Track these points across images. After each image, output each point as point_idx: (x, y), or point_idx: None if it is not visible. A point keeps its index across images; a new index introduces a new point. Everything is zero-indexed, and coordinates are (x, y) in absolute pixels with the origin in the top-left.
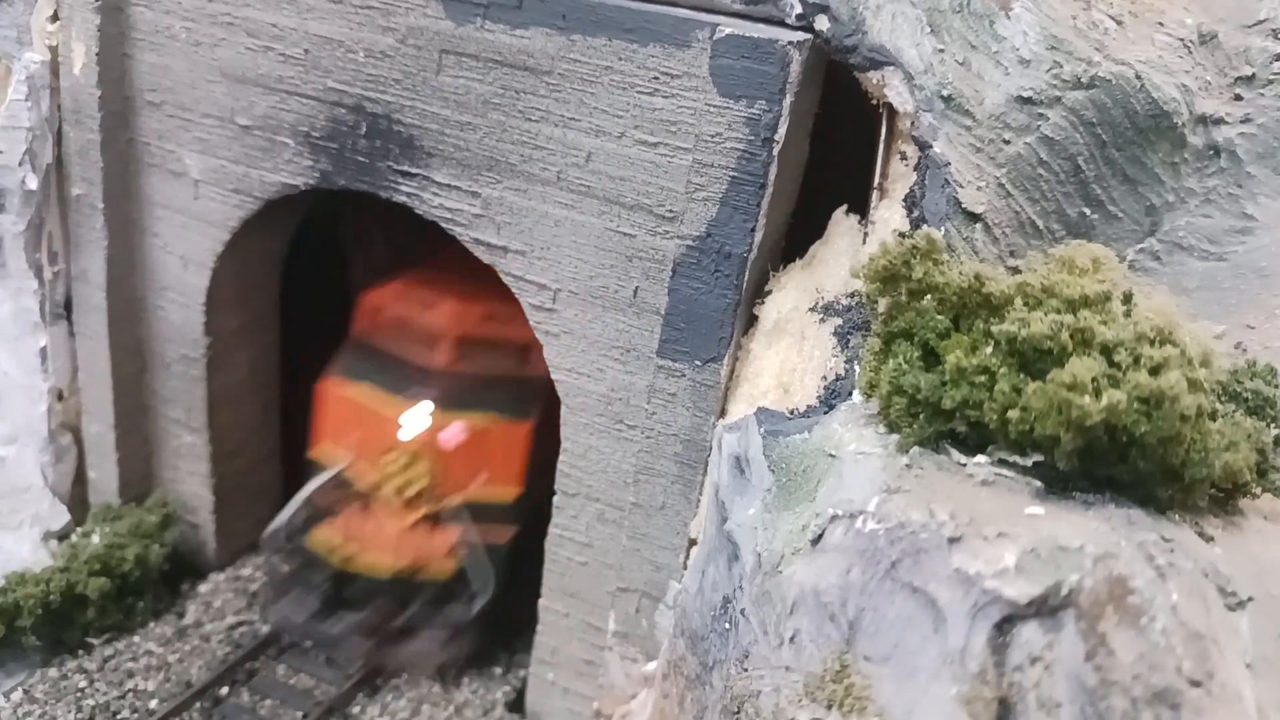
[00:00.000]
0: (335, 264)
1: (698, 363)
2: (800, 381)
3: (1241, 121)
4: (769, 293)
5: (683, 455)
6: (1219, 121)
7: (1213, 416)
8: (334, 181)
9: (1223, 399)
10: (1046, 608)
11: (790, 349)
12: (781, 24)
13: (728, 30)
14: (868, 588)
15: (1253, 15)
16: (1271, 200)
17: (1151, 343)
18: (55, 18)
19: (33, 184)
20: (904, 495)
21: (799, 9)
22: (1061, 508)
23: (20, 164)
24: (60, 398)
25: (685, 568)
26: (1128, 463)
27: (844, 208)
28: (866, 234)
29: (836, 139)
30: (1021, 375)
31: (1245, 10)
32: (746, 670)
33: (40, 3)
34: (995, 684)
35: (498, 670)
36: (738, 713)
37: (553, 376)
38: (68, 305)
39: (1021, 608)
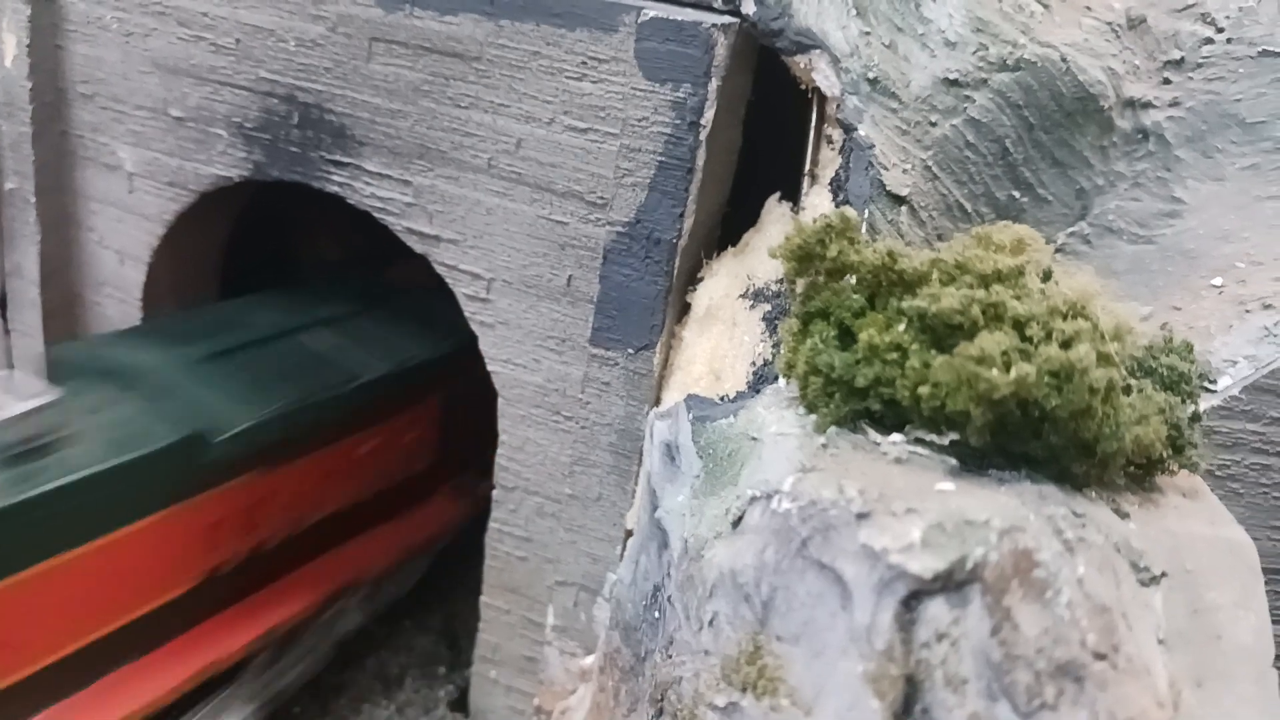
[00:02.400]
0: (282, 261)
1: (630, 351)
2: (731, 368)
3: (1170, 105)
4: (701, 280)
5: (618, 445)
6: (1147, 105)
7: (1126, 391)
8: (268, 173)
9: (1138, 374)
10: (952, 583)
11: (722, 335)
12: (708, 8)
13: (652, 13)
14: (780, 566)
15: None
16: (1199, 183)
17: (1064, 316)
18: None
19: None
20: (818, 474)
21: None
22: (974, 484)
23: None
24: None
25: (622, 559)
26: (1041, 438)
27: (777, 195)
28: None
29: (783, 128)
30: (933, 351)
31: None
32: (670, 657)
33: None
34: (902, 661)
35: (441, 669)
36: (661, 700)
37: (489, 368)
38: (2, 301)
39: (927, 583)
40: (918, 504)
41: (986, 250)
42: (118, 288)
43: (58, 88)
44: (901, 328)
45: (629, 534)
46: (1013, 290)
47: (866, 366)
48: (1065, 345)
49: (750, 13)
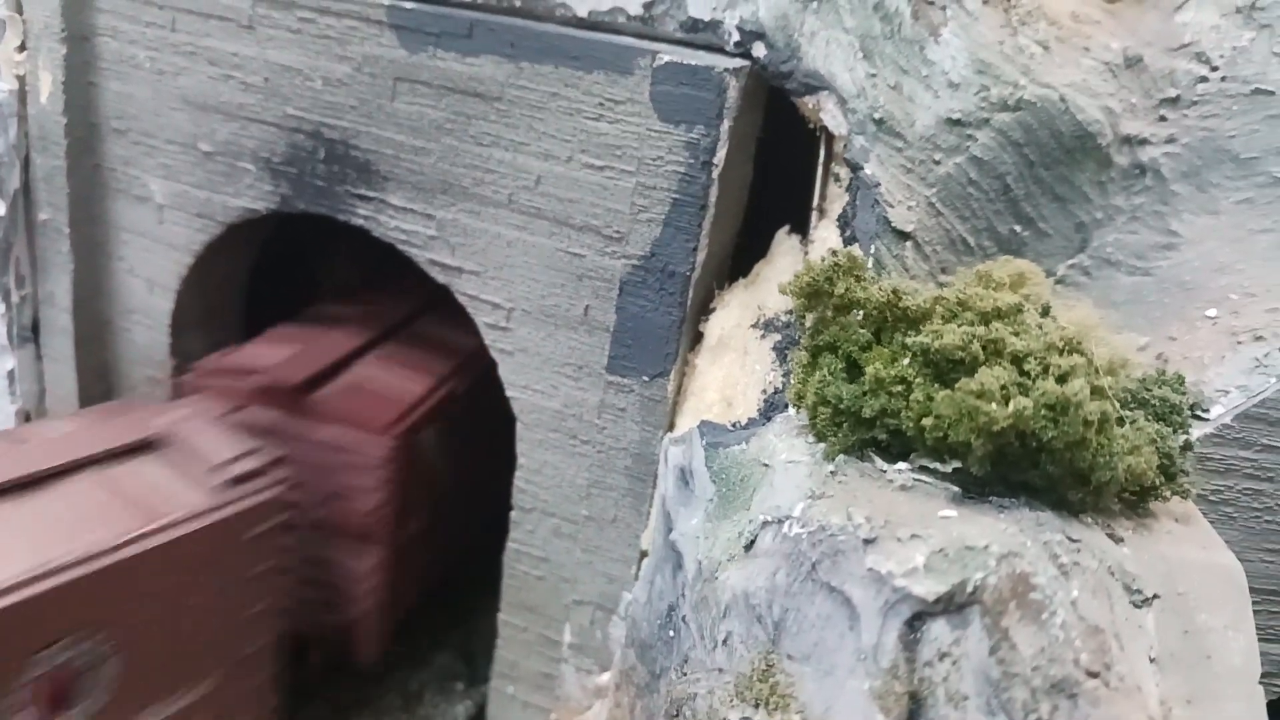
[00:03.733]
0: (302, 285)
1: (645, 378)
2: (743, 395)
3: (1166, 141)
4: (713, 310)
5: (633, 469)
6: (1144, 142)
7: (1120, 422)
8: (294, 205)
9: (1131, 406)
10: (953, 605)
11: (733, 364)
12: (720, 51)
13: (667, 58)
14: (791, 589)
15: (1177, 39)
16: (1195, 217)
17: (1060, 352)
18: (23, 48)
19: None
20: (826, 500)
21: (736, 36)
22: (975, 511)
23: None
24: (28, 419)
25: (637, 579)
26: (1039, 467)
27: (786, 228)
28: (807, 253)
29: (788, 162)
30: (936, 385)
31: (1170, 34)
32: (685, 674)
33: (7, 33)
34: (906, 679)
35: (459, 685)
36: (676, 716)
37: (508, 394)
38: (35, 328)
39: (929, 605)
40: (921, 530)
41: (987, 288)
42: (146, 315)
43: (91, 123)
44: (906, 362)
45: (644, 555)
46: (1011, 327)
47: (873, 398)
48: (1061, 380)
49: (761, 55)
